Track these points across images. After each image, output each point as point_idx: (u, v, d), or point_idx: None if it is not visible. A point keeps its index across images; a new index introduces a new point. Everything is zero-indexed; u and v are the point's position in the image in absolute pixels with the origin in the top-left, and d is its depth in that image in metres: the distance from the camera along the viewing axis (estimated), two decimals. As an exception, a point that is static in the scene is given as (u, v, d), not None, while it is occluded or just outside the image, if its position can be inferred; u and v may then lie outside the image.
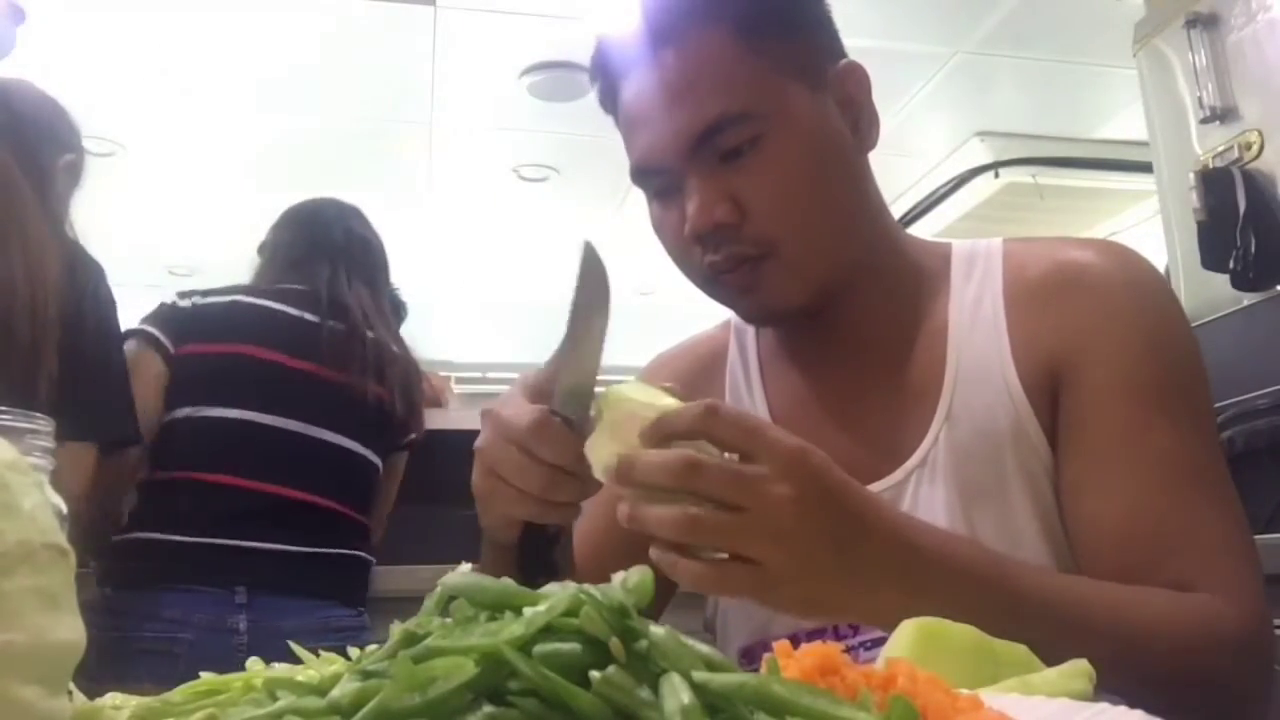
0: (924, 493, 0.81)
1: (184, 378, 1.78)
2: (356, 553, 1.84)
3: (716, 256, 0.81)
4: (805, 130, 0.81)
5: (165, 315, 1.82)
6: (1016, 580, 0.65)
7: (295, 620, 1.69)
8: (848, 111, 0.85)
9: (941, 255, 0.90)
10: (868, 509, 0.63)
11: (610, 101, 0.88)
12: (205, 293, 1.86)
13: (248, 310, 1.84)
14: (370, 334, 1.89)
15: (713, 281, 0.84)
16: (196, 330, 1.80)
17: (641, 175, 0.85)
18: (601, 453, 0.61)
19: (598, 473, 0.62)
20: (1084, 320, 0.80)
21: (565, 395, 0.68)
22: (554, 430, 0.67)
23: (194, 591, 1.65)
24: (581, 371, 0.69)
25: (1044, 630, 0.61)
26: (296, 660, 0.45)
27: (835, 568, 0.60)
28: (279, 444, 1.77)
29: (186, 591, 1.65)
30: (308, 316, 1.85)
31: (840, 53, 0.87)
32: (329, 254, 1.95)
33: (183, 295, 1.85)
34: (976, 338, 0.84)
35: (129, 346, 1.79)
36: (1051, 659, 0.46)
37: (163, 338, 1.78)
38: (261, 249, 2.03)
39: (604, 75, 0.87)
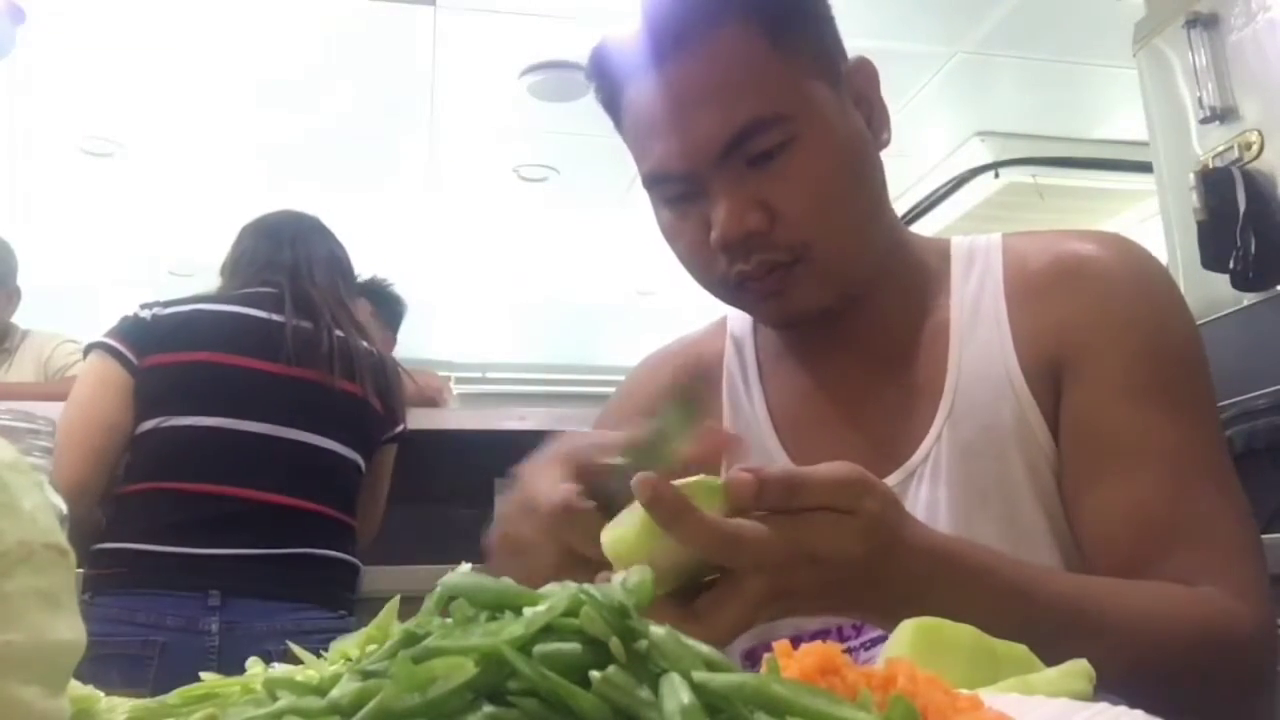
0: (926, 491, 0.80)
1: (149, 390, 1.78)
2: (334, 553, 1.83)
3: (746, 265, 0.78)
4: (832, 130, 0.79)
5: (127, 328, 1.82)
6: (1040, 591, 0.65)
7: (267, 622, 1.69)
8: (861, 108, 0.83)
9: (941, 252, 0.90)
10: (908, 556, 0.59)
11: (612, 103, 0.84)
12: (167, 303, 1.86)
13: (209, 317, 1.84)
14: (338, 332, 1.88)
15: (737, 289, 0.81)
16: (159, 341, 1.80)
17: (657, 182, 0.81)
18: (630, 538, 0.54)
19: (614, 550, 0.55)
20: (1085, 313, 0.80)
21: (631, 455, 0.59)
22: (580, 517, 0.58)
23: (167, 595, 1.66)
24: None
25: (1060, 633, 0.61)
26: (266, 662, 0.45)
27: (853, 603, 0.60)
28: (247, 448, 1.76)
29: (159, 596, 1.66)
30: (274, 317, 1.84)
31: (844, 50, 0.85)
32: (292, 254, 1.95)
33: (145, 307, 1.85)
34: (978, 334, 0.83)
35: (91, 360, 1.80)
36: (1062, 659, 0.46)
37: (125, 350, 1.78)
38: (223, 268, 2.03)
39: (608, 77, 0.83)
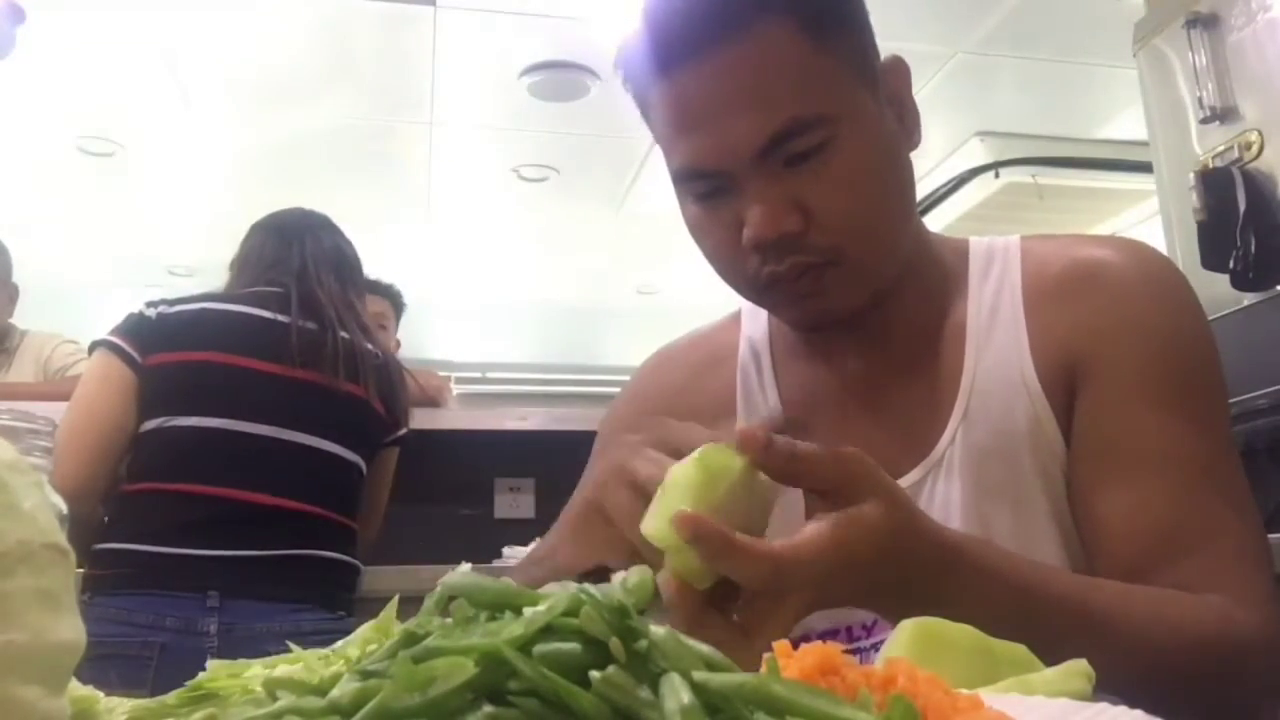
0: (940, 491, 0.80)
1: (153, 389, 1.78)
2: (333, 555, 1.83)
3: (779, 266, 0.77)
4: (871, 133, 0.78)
5: (133, 325, 1.82)
6: (1049, 592, 0.65)
7: (265, 623, 1.69)
8: (894, 109, 0.82)
9: (959, 252, 0.89)
10: (922, 552, 0.60)
11: (641, 96, 0.82)
12: (173, 301, 1.85)
13: (215, 317, 1.83)
14: (343, 334, 1.88)
15: (767, 289, 0.80)
16: (164, 340, 1.80)
17: (689, 177, 0.79)
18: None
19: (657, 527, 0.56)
20: (1101, 319, 0.80)
21: None
22: None
23: (165, 596, 1.66)
24: None
25: (1064, 635, 0.62)
26: None
27: (870, 600, 0.60)
28: (249, 450, 1.76)
29: (158, 596, 1.66)
30: (280, 318, 1.84)
31: (878, 50, 0.84)
32: (300, 254, 1.95)
33: (150, 305, 1.85)
34: (995, 336, 0.83)
35: (96, 357, 1.80)
36: (1065, 660, 0.46)
37: (130, 348, 1.78)
38: (232, 264, 2.03)
39: (637, 68, 0.80)
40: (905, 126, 0.83)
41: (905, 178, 0.83)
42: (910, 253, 0.85)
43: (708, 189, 0.79)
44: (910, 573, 0.59)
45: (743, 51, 0.74)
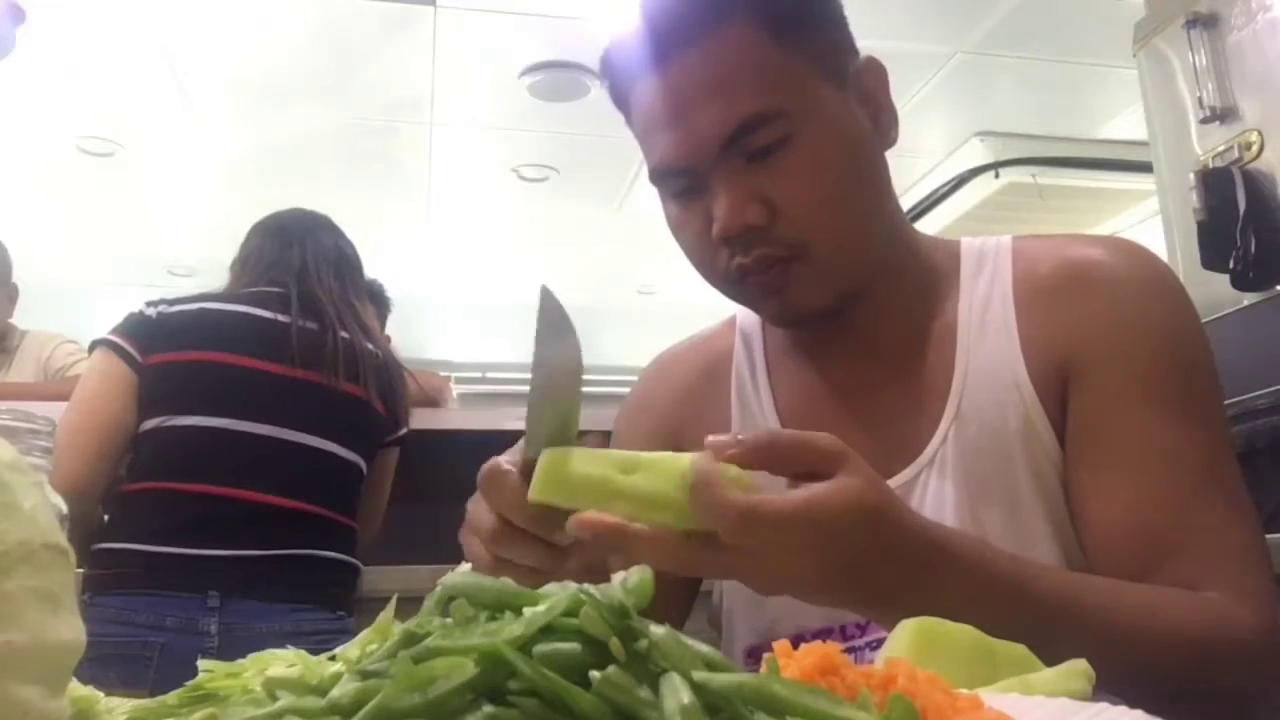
0: (933, 491, 0.80)
1: (153, 388, 1.78)
2: (334, 555, 1.83)
3: (746, 258, 0.79)
4: (835, 129, 0.80)
5: (133, 325, 1.82)
6: (1036, 585, 0.65)
7: (266, 623, 1.68)
8: (868, 108, 0.83)
9: (951, 253, 0.90)
10: (897, 532, 0.60)
11: (623, 100, 0.85)
12: (173, 301, 1.85)
13: (216, 317, 1.83)
14: (344, 334, 1.88)
15: (738, 283, 0.82)
16: (164, 339, 1.79)
17: (663, 176, 0.82)
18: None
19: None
20: (1094, 319, 0.80)
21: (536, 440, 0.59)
22: (505, 479, 0.60)
23: (166, 596, 1.66)
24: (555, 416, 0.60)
25: (1056, 630, 0.62)
26: None
27: (852, 583, 0.59)
28: (250, 450, 1.76)
29: (158, 596, 1.66)
30: (280, 318, 1.84)
31: (855, 49, 0.86)
32: (300, 254, 1.95)
33: (150, 304, 1.84)
34: (986, 337, 0.83)
35: (96, 357, 1.80)
36: (1060, 658, 0.46)
37: (130, 348, 1.78)
38: (232, 266, 2.03)
39: (617, 73, 0.84)
40: (879, 127, 0.84)
41: (877, 176, 0.84)
42: (888, 253, 0.86)
43: (680, 187, 0.82)
44: (891, 555, 0.58)
45: (706, 51, 0.77)
